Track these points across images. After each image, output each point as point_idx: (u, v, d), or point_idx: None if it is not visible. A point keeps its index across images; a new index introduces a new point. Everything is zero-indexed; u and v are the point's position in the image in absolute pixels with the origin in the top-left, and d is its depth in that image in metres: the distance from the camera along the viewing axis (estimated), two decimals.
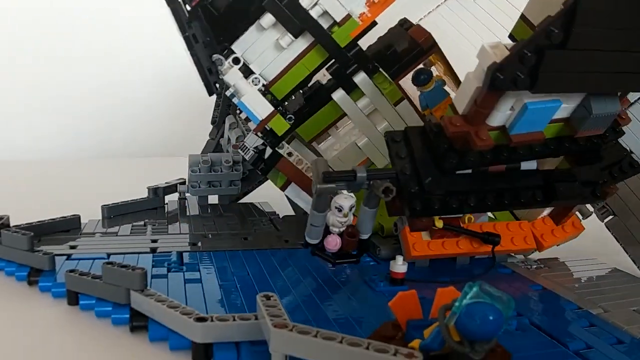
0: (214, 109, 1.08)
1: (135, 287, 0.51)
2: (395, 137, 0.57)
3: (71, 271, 0.56)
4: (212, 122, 1.08)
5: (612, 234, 0.70)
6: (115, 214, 0.84)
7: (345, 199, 0.57)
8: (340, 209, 0.57)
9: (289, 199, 0.80)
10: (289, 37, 0.65)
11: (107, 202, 0.84)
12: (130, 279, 0.52)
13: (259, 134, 0.69)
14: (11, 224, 0.68)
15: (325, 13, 0.65)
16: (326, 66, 0.69)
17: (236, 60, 0.64)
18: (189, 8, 0.65)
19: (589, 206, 0.71)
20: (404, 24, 0.78)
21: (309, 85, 0.73)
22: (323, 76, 0.73)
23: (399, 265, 0.59)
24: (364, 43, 0.70)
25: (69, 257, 0.65)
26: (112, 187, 0.93)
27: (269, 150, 0.71)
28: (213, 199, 0.93)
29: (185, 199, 0.95)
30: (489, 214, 0.69)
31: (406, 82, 0.75)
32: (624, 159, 0.61)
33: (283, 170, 0.72)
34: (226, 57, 0.64)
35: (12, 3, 1.45)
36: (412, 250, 0.62)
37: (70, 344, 0.50)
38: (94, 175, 1.24)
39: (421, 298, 0.43)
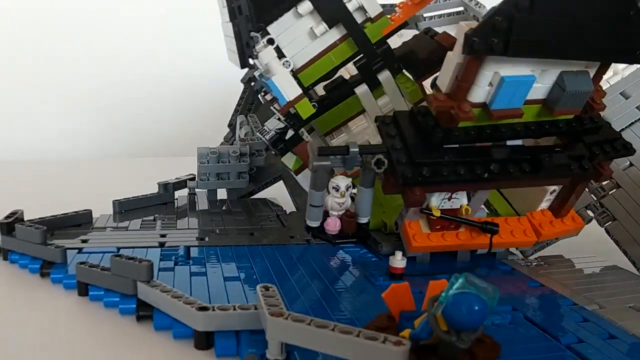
0: (233, 114, 1.11)
1: (141, 278, 0.54)
2: (385, 120, 0.60)
3: (81, 263, 0.58)
4: (229, 125, 1.11)
5: (612, 238, 0.71)
6: (126, 208, 0.86)
7: (342, 180, 0.59)
8: (337, 189, 0.59)
9: (290, 194, 0.82)
10: (323, 26, 0.67)
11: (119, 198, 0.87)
12: (137, 270, 0.54)
13: (281, 117, 0.71)
14: (25, 219, 0.70)
15: (360, 8, 0.67)
16: (352, 61, 0.71)
17: (271, 41, 0.66)
18: None
19: (589, 212, 0.72)
20: (429, 31, 0.79)
21: (332, 79, 0.75)
22: (347, 72, 0.76)
23: (398, 261, 0.61)
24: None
25: (80, 250, 0.68)
26: (124, 186, 0.95)
27: (289, 135, 0.73)
28: (222, 194, 0.95)
29: (195, 194, 0.97)
30: (487, 211, 0.70)
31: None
32: (617, 140, 0.62)
33: (301, 154, 0.74)
34: (262, 37, 0.66)
35: (13, 3, 1.47)
36: (412, 241, 0.63)
37: (79, 332, 0.52)
38: (107, 174, 1.27)
39: (419, 292, 0.45)
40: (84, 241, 0.71)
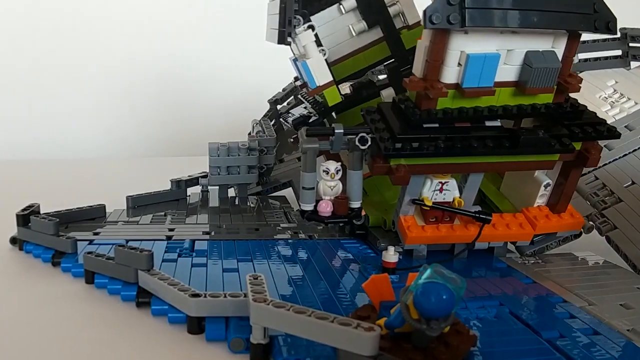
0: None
1: (142, 267, 0.57)
2: (370, 110, 0.64)
3: (89, 253, 0.62)
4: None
5: (612, 245, 0.71)
6: (139, 204, 0.90)
7: (331, 163, 0.62)
8: (327, 172, 0.62)
9: (293, 187, 0.84)
10: (363, 25, 0.70)
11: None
12: (138, 259, 0.57)
13: (308, 105, 0.74)
14: (41, 213, 0.74)
15: (400, 14, 0.70)
16: (384, 64, 0.74)
17: (311, 27, 0.69)
18: None
19: (590, 222, 0.73)
20: None
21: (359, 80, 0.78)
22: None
23: (391, 255, 0.63)
24: None
25: (90, 242, 0.71)
26: (140, 183, 0.98)
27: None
28: (232, 194, 0.98)
29: (207, 191, 1.00)
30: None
31: None
32: (600, 123, 0.64)
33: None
34: (304, 22, 0.69)
35: (40, 3, 1.52)
36: (407, 233, 0.64)
37: (85, 316, 0.56)
38: (123, 173, 1.31)
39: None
40: (96, 234, 0.75)
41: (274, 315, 0.44)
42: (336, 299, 0.57)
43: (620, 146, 0.80)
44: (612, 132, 0.63)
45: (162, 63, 1.61)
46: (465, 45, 0.57)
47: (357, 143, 0.59)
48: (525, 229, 0.67)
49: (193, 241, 0.73)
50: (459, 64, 0.58)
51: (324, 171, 0.62)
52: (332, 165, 0.62)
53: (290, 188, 1.01)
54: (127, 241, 0.71)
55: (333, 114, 0.78)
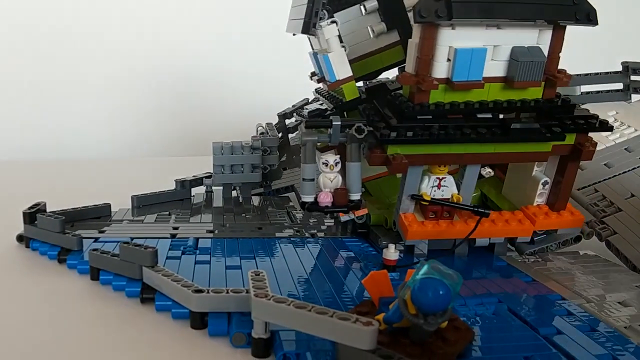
0: None
1: (146, 263, 0.58)
2: (366, 106, 0.69)
3: (94, 250, 0.63)
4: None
5: (611, 250, 0.72)
6: (143, 203, 0.91)
7: (330, 155, 0.64)
8: (326, 164, 0.64)
9: (295, 192, 0.85)
10: (382, 26, 0.72)
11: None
12: (142, 256, 0.58)
13: (323, 100, 0.76)
14: (48, 211, 0.75)
15: None
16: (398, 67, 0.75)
17: (335, 23, 0.70)
18: None
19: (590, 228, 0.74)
20: None
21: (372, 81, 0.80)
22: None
23: (391, 253, 0.64)
24: None
25: (96, 239, 0.72)
26: (145, 183, 0.99)
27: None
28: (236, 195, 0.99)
29: (211, 192, 1.01)
30: None
31: None
32: (593, 116, 0.65)
33: None
34: (328, 17, 0.70)
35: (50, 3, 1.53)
36: (408, 228, 0.65)
37: (90, 312, 0.57)
38: (129, 173, 1.32)
39: None
40: (101, 231, 0.76)
41: (275, 310, 0.45)
42: (337, 296, 0.57)
43: (620, 164, 0.83)
44: (604, 125, 0.65)
45: (168, 64, 1.62)
46: (453, 41, 0.60)
47: (353, 133, 0.61)
48: (525, 224, 0.68)
49: (197, 239, 0.74)
50: (448, 59, 0.61)
51: (323, 163, 0.64)
52: (331, 158, 0.64)
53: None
54: (132, 239, 0.72)
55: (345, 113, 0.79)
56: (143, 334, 0.52)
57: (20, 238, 0.75)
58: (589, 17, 0.61)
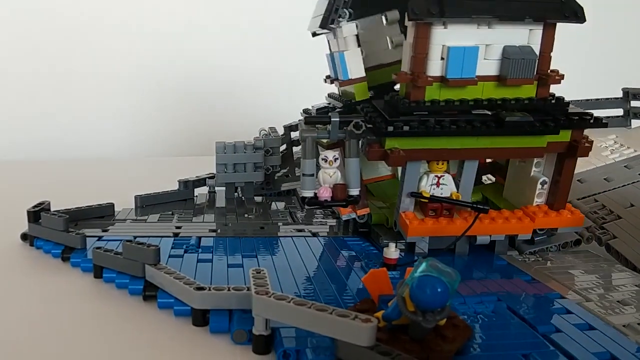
0: None
1: (149, 261, 0.58)
2: (364, 105, 0.70)
3: (97, 248, 0.64)
4: None
5: (611, 253, 0.72)
6: (147, 203, 0.91)
7: (329, 152, 0.65)
8: (325, 159, 0.65)
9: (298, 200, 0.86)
10: (402, 39, 0.72)
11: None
12: (145, 254, 0.59)
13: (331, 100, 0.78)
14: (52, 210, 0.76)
15: None
16: None
17: (355, 23, 0.71)
18: None
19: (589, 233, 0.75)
20: None
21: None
22: None
23: (392, 252, 0.64)
24: None
25: (99, 238, 0.73)
26: (149, 183, 1.00)
27: None
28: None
29: (214, 192, 1.02)
30: None
31: None
32: (587, 114, 0.67)
33: None
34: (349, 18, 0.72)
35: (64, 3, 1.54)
36: (409, 225, 0.66)
37: (93, 310, 0.58)
38: (132, 173, 1.33)
39: None
40: (104, 230, 0.77)
41: (275, 307, 0.45)
42: (338, 294, 0.58)
43: (620, 179, 0.86)
44: (598, 121, 0.66)
45: (171, 64, 1.63)
46: (446, 40, 0.62)
47: (352, 129, 0.62)
48: (524, 221, 0.68)
49: (199, 238, 0.75)
50: (442, 58, 0.63)
51: (322, 159, 0.65)
52: (330, 154, 0.65)
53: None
54: (135, 237, 0.73)
55: None
56: (145, 331, 0.53)
57: (24, 236, 0.75)
58: (577, 15, 0.63)
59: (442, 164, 0.67)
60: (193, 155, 1.55)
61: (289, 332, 0.48)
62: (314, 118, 0.66)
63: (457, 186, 0.68)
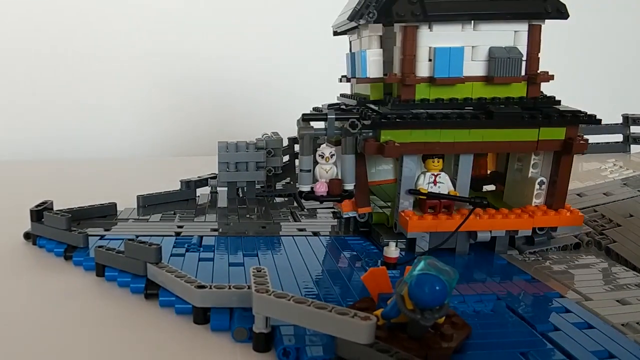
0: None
1: (151, 260, 0.59)
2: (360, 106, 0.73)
3: (100, 247, 0.64)
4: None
5: (611, 256, 0.73)
6: (149, 203, 0.92)
7: (326, 148, 0.67)
8: (322, 155, 0.67)
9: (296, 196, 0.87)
10: None
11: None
12: (147, 253, 0.59)
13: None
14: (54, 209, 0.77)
15: None
16: None
17: (381, 24, 0.72)
18: None
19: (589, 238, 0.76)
20: None
21: None
22: None
23: (392, 251, 0.65)
24: None
25: (101, 237, 0.74)
26: (151, 183, 1.01)
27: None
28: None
29: (216, 192, 1.02)
30: None
31: None
32: (579, 111, 0.68)
33: None
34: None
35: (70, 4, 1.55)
36: (408, 221, 0.67)
37: (95, 308, 0.58)
38: (135, 173, 1.33)
39: None
40: (107, 229, 0.77)
41: (275, 305, 0.46)
42: (338, 292, 0.58)
43: (619, 194, 0.91)
44: (591, 118, 0.67)
45: (174, 65, 1.64)
46: (432, 42, 0.66)
47: (347, 127, 0.64)
48: (523, 217, 0.69)
49: (201, 237, 0.75)
50: (430, 60, 0.66)
51: (319, 155, 0.67)
52: (327, 150, 0.67)
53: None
54: (137, 236, 0.73)
55: None
56: (147, 329, 0.53)
57: (27, 235, 0.76)
58: (560, 11, 0.65)
59: (438, 162, 0.68)
60: (195, 155, 1.55)
61: (288, 330, 0.49)
62: (311, 115, 0.67)
63: (454, 186, 0.69)
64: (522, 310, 0.56)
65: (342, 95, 0.87)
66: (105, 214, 0.84)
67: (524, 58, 0.67)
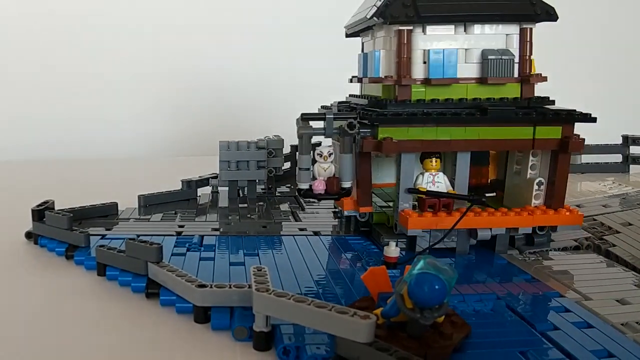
0: None
1: (152, 259, 0.59)
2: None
3: (101, 246, 0.64)
4: None
5: (610, 258, 0.73)
6: (150, 203, 0.92)
7: (324, 147, 0.69)
8: (320, 154, 0.68)
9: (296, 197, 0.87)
10: None
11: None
12: (148, 252, 0.59)
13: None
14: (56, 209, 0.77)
15: None
16: None
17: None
18: None
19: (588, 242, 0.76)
20: None
21: None
22: None
23: (392, 250, 0.65)
24: None
25: (103, 236, 0.74)
26: (153, 183, 1.01)
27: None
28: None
29: (217, 192, 1.02)
30: None
31: None
32: (574, 110, 0.69)
33: None
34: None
35: (77, 8, 1.55)
36: (408, 219, 0.67)
37: (96, 307, 0.58)
38: (134, 173, 1.34)
39: None
40: (108, 229, 0.77)
41: (275, 304, 0.46)
42: (338, 292, 0.59)
43: (617, 206, 0.93)
44: (585, 116, 0.68)
45: (175, 66, 1.64)
46: (426, 45, 0.68)
47: (345, 127, 0.64)
48: (523, 215, 0.70)
49: (202, 237, 0.75)
50: (424, 62, 0.68)
51: (317, 154, 0.68)
52: (325, 149, 0.69)
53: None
54: (138, 236, 0.73)
55: None
56: (147, 328, 0.54)
57: (29, 235, 0.76)
58: (549, 13, 0.67)
59: (436, 162, 0.69)
60: (196, 155, 1.56)
61: (289, 328, 0.49)
62: (310, 115, 0.68)
63: (453, 185, 0.70)
64: (522, 309, 0.56)
65: (351, 95, 0.87)
66: (107, 213, 0.85)
67: (516, 60, 0.69)
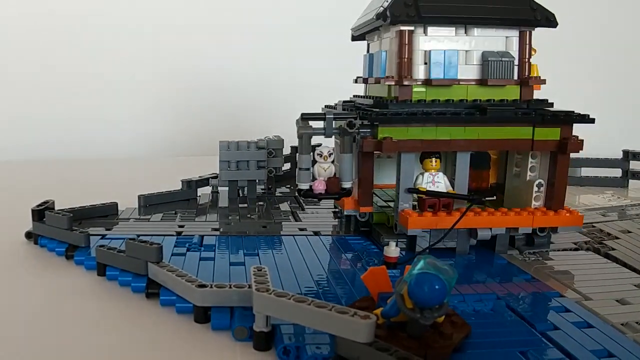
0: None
1: (152, 259, 0.59)
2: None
3: (101, 246, 0.64)
4: None
5: (610, 259, 0.73)
6: (150, 203, 0.92)
7: (324, 147, 0.69)
8: (320, 154, 0.68)
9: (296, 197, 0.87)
10: None
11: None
12: (148, 252, 0.59)
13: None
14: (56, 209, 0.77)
15: None
16: None
17: None
18: None
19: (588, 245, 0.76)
20: None
21: None
22: None
23: (392, 250, 0.65)
24: None
25: (103, 236, 0.74)
26: (151, 183, 1.01)
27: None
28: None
29: (217, 192, 1.02)
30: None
31: None
32: (572, 112, 0.69)
33: None
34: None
35: (80, 9, 1.55)
36: (408, 219, 0.67)
37: (97, 307, 0.58)
38: (137, 173, 1.34)
39: None
40: (108, 229, 0.77)
41: (276, 304, 0.46)
42: (338, 292, 0.59)
43: (616, 215, 0.94)
44: (584, 117, 0.69)
45: (175, 66, 1.64)
46: (427, 46, 0.69)
47: (345, 127, 0.64)
48: (523, 215, 0.70)
49: (202, 237, 0.75)
50: (425, 63, 0.69)
51: (317, 154, 0.68)
52: (325, 149, 0.69)
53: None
54: (138, 236, 0.73)
55: None
56: (147, 328, 0.53)
57: (29, 235, 0.76)
58: (549, 19, 0.68)
59: (436, 162, 0.69)
60: (196, 155, 1.56)
61: (289, 328, 0.49)
62: (310, 115, 0.68)
63: (453, 186, 0.70)
64: (522, 309, 0.56)
65: (355, 96, 0.88)
66: (107, 213, 0.85)
67: (516, 62, 0.70)
